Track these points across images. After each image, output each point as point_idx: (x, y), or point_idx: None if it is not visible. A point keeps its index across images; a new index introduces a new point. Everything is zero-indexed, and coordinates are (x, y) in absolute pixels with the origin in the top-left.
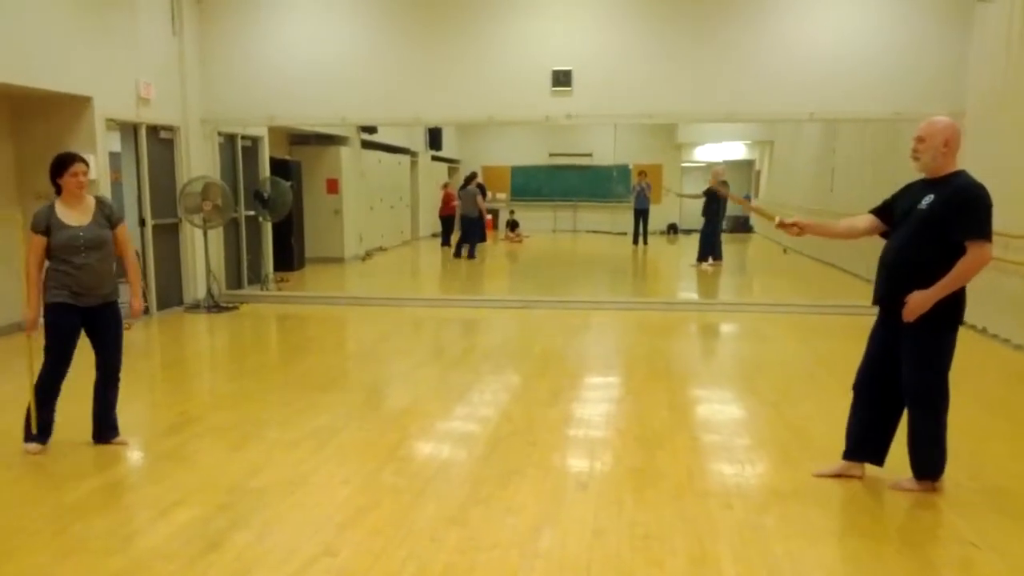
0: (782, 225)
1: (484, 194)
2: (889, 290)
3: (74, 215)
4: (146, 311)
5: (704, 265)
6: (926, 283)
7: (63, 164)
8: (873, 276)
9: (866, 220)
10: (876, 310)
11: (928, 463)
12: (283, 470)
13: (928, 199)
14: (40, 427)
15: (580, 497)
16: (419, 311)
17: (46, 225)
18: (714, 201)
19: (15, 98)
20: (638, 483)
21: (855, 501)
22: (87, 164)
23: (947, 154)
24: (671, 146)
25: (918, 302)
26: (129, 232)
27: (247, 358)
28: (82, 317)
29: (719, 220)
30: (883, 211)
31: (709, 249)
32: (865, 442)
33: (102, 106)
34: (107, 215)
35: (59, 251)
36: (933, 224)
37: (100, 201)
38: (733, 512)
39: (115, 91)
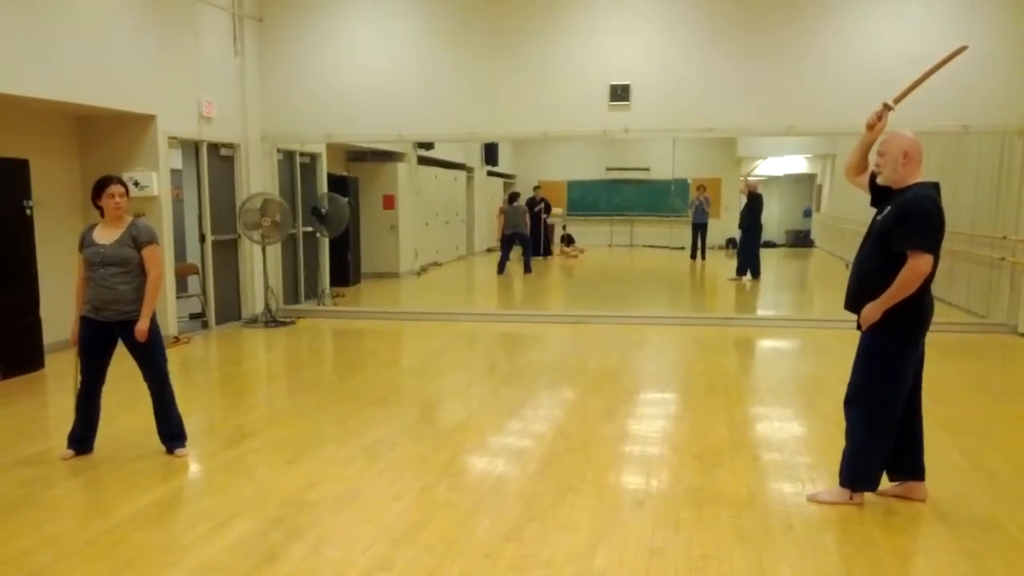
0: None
1: (548, 210)
2: (851, 299)
3: (107, 233)
4: (204, 325)
5: (744, 279)
6: (881, 293)
7: (100, 187)
8: (933, 289)
9: (865, 176)
10: (952, 323)
11: (846, 469)
12: (338, 484)
13: (885, 211)
14: (75, 436)
15: (636, 515)
16: (474, 326)
17: (81, 242)
18: (750, 214)
19: (82, 117)
20: (696, 501)
21: (920, 521)
22: (124, 186)
23: (907, 165)
24: (731, 160)
25: (868, 312)
26: (160, 255)
27: (304, 372)
28: (108, 331)
29: (756, 233)
30: (873, 177)
31: (748, 262)
32: (902, 461)
33: (165, 124)
34: (134, 236)
35: (86, 266)
36: (885, 235)
37: (132, 223)
38: (793, 532)
39: (178, 109)
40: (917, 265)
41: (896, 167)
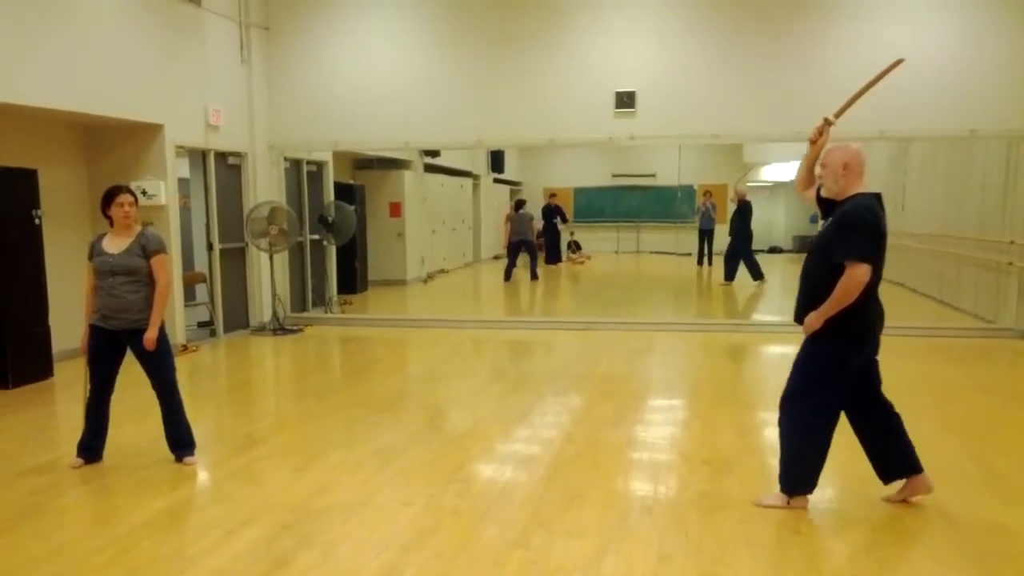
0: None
1: (565, 219)
2: (800, 310)
3: (116, 242)
4: (212, 333)
5: (732, 284)
6: (822, 303)
7: (110, 196)
8: (941, 295)
9: (813, 190)
10: (960, 328)
11: (784, 473)
12: (347, 491)
13: (827, 222)
14: (83, 444)
15: (645, 521)
16: (481, 333)
17: (90, 251)
18: (740, 220)
19: (90, 127)
20: (705, 508)
21: (928, 526)
22: (133, 195)
23: (847, 176)
24: (737, 166)
25: (810, 321)
26: (168, 264)
27: (312, 380)
28: (117, 340)
29: (747, 239)
30: (820, 190)
31: (748, 267)
32: (888, 464)
33: (172, 133)
34: (143, 245)
35: (95, 275)
36: (826, 246)
37: (141, 232)
38: (801, 538)
39: (185, 119)
40: (854, 275)
41: (837, 178)
